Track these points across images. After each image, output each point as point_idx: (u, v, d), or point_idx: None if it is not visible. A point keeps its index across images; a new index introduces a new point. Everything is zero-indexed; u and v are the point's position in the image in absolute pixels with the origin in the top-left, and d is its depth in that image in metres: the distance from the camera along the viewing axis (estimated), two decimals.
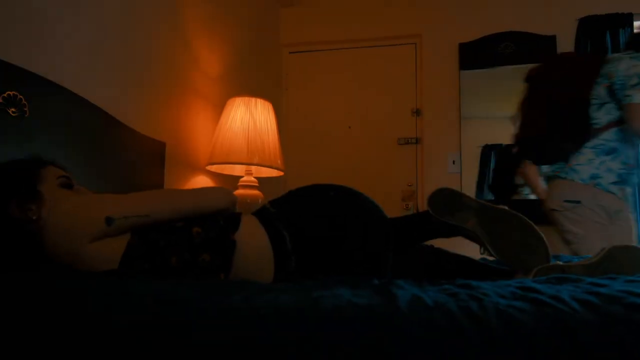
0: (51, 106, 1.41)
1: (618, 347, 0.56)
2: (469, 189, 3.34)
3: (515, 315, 0.62)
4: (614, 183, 1.94)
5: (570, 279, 0.91)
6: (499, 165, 2.64)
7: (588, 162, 1.96)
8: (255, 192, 2.35)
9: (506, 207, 1.20)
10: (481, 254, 1.26)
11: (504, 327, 0.60)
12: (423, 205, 3.42)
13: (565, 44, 3.26)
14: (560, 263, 1.17)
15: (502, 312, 0.62)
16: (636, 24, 3.18)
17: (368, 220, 1.14)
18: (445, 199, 1.20)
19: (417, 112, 3.54)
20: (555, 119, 2.04)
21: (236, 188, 2.35)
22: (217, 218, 1.05)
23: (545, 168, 2.17)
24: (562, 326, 0.59)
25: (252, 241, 1.03)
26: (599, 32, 3.16)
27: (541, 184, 2.15)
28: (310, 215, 1.10)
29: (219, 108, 2.62)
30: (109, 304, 0.70)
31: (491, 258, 1.31)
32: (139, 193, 1.08)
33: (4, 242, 0.95)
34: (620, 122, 1.93)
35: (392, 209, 3.47)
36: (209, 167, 2.38)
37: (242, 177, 2.42)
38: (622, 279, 0.93)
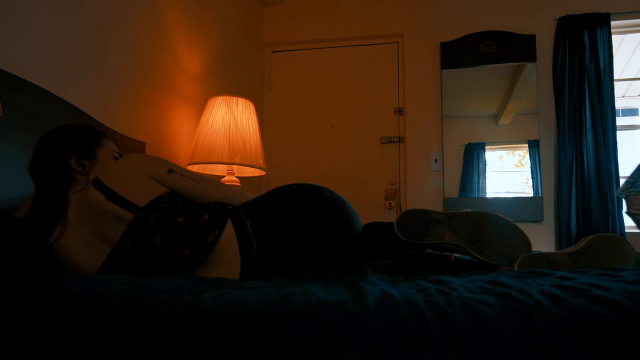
0: (27, 106, 1.39)
1: (578, 338, 0.57)
2: (452, 187, 3.37)
3: (481, 309, 0.62)
4: None
5: (541, 272, 0.93)
6: None
7: None
8: None
9: (469, 210, 1.22)
10: (452, 260, 1.26)
11: (468, 321, 0.60)
12: (406, 204, 3.44)
13: (545, 43, 3.31)
14: (545, 252, 1.19)
15: (468, 306, 0.63)
16: (613, 23, 3.23)
17: (324, 209, 1.18)
18: (413, 221, 1.20)
19: (400, 111, 3.56)
20: None
21: None
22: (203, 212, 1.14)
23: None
24: (525, 319, 0.60)
25: (224, 233, 1.11)
26: (578, 31, 3.21)
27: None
28: (270, 205, 1.20)
29: (200, 107, 2.61)
30: (74, 303, 0.69)
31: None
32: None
33: (50, 178, 1.18)
34: None
35: (376, 208, 3.50)
36: (190, 167, 2.37)
37: (223, 176, 2.41)
38: (593, 272, 0.95)
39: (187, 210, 1.13)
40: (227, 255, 1.09)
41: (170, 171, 1.20)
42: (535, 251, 1.23)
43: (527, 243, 1.20)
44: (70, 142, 1.21)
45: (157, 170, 1.18)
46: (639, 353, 0.55)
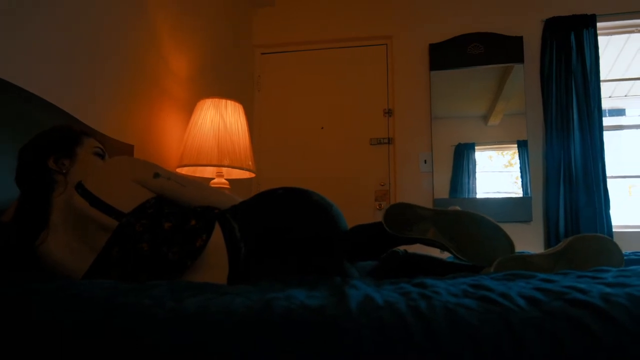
0: (15, 111, 1.38)
1: (555, 341, 0.58)
2: (442, 188, 3.39)
3: (462, 313, 0.63)
4: None
5: (525, 275, 0.94)
6: None
7: None
8: None
9: (458, 208, 1.22)
10: (441, 252, 1.28)
11: (449, 325, 0.61)
12: None
13: (532, 45, 3.33)
14: (523, 254, 1.20)
15: (449, 310, 0.64)
16: (599, 24, 3.27)
17: (310, 213, 1.19)
18: (400, 215, 1.21)
19: (389, 112, 3.57)
20: None
21: None
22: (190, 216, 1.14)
23: None
24: (505, 323, 0.61)
25: (212, 237, 1.10)
26: (564, 32, 3.24)
27: None
28: (258, 209, 1.20)
29: (189, 110, 2.60)
30: (56, 307, 0.69)
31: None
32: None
33: (32, 182, 1.15)
34: None
35: (366, 209, 3.51)
36: (179, 169, 2.36)
37: (213, 179, 2.41)
38: (575, 274, 0.96)
39: (173, 216, 1.12)
40: (215, 260, 1.08)
41: (156, 175, 1.18)
42: (518, 252, 1.23)
43: (510, 245, 1.20)
44: (47, 144, 1.19)
45: (143, 175, 1.16)
46: (614, 355, 0.56)
